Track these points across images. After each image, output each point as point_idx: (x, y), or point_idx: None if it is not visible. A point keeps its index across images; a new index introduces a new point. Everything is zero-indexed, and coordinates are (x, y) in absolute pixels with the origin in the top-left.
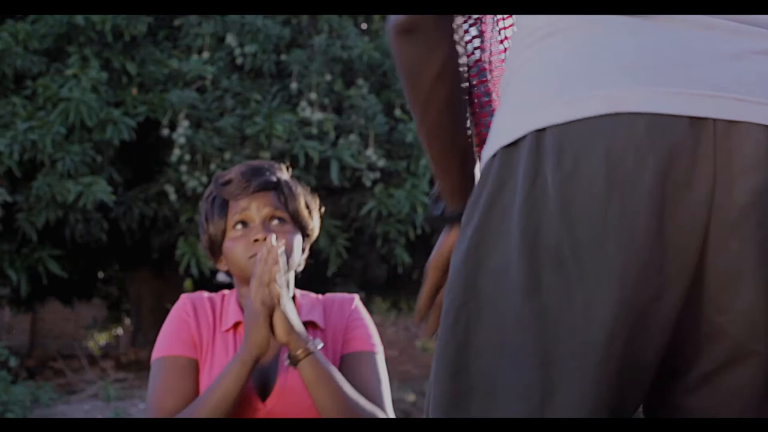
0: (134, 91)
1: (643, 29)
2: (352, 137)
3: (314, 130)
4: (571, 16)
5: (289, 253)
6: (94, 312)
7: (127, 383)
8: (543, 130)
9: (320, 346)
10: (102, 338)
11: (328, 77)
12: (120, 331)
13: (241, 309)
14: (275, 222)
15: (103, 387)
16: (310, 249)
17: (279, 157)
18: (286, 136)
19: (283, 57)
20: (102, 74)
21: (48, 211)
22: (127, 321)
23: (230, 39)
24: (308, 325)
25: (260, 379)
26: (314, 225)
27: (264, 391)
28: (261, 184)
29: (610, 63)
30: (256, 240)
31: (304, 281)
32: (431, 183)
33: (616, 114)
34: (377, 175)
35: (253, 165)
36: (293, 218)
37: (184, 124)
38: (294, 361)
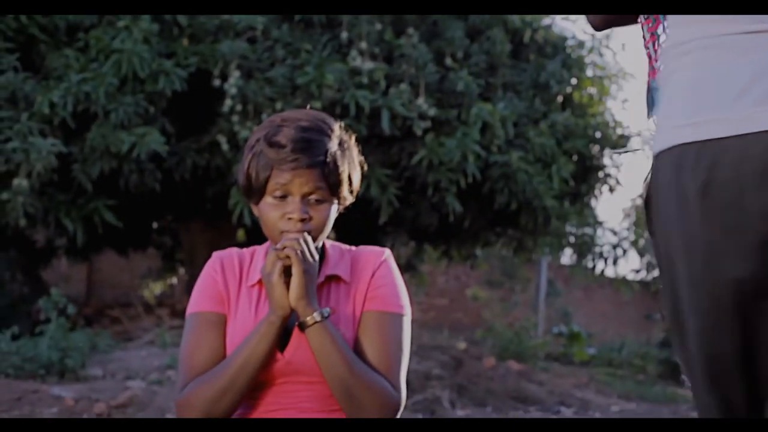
0: (185, 42)
1: (751, 49)
2: (403, 86)
3: (365, 80)
4: (701, 36)
5: (321, 229)
6: (148, 262)
7: (182, 330)
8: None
9: (328, 313)
10: (157, 287)
11: (378, 26)
12: (174, 280)
13: None
14: (313, 198)
15: (159, 334)
16: (362, 198)
17: (330, 106)
18: (336, 85)
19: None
20: (153, 26)
21: (102, 161)
22: (182, 270)
23: None
24: (333, 278)
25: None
26: (352, 197)
27: (283, 342)
28: (309, 163)
29: (710, 92)
30: (290, 218)
31: (356, 231)
32: (482, 131)
33: (702, 141)
34: (428, 123)
35: (306, 135)
36: (333, 193)
37: (235, 75)
38: (302, 327)
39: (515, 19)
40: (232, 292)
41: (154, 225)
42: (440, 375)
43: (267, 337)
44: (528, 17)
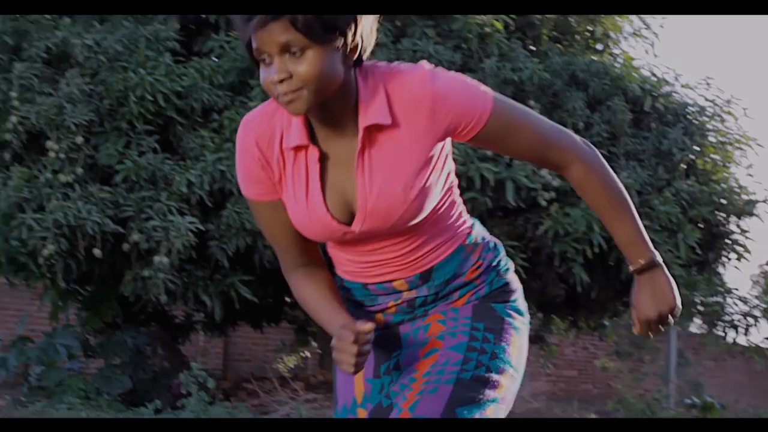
0: None
1: None
2: None
3: (488, 152)
4: None
5: (312, 80)
6: (282, 335)
7: (317, 403)
8: None
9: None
10: (291, 360)
11: None
12: (307, 353)
13: (306, 128)
14: (293, 50)
15: (295, 407)
16: None
17: (455, 179)
18: (461, 159)
19: None
20: None
21: (238, 238)
22: (314, 344)
23: None
24: (372, 128)
25: (342, 202)
26: (357, 36)
27: (349, 216)
28: (271, 17)
29: None
30: (272, 82)
31: None
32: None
33: None
34: (552, 194)
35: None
36: (314, 38)
37: None
38: None
39: (635, 87)
40: (276, 161)
41: (287, 299)
42: None
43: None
44: (648, 85)
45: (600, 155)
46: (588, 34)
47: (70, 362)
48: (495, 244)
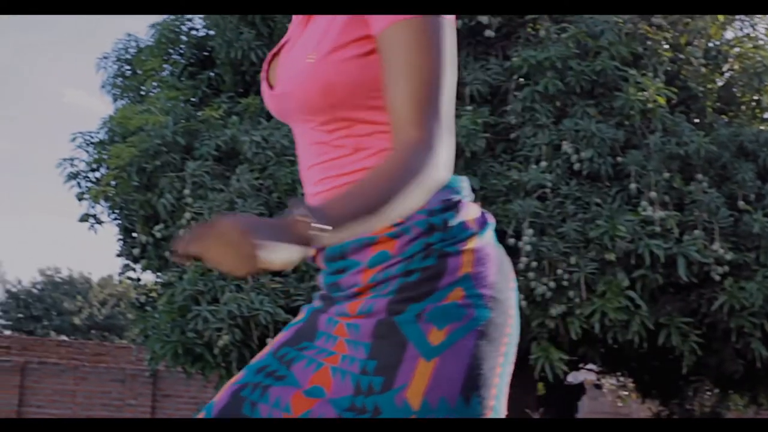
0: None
1: None
2: (697, 232)
3: (657, 228)
4: None
5: None
6: None
7: None
8: None
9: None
10: None
11: (666, 175)
12: None
13: None
14: None
15: None
16: (662, 347)
17: (624, 257)
18: (629, 236)
19: (620, 159)
20: None
21: None
22: None
23: (566, 146)
24: None
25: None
26: None
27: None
28: None
29: None
30: None
31: (657, 379)
32: None
33: None
34: (726, 268)
35: None
36: None
37: (528, 233)
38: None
39: None
40: (293, 26)
41: None
42: None
43: None
44: None
45: (437, 172)
46: (754, 103)
47: None
48: (451, 210)
